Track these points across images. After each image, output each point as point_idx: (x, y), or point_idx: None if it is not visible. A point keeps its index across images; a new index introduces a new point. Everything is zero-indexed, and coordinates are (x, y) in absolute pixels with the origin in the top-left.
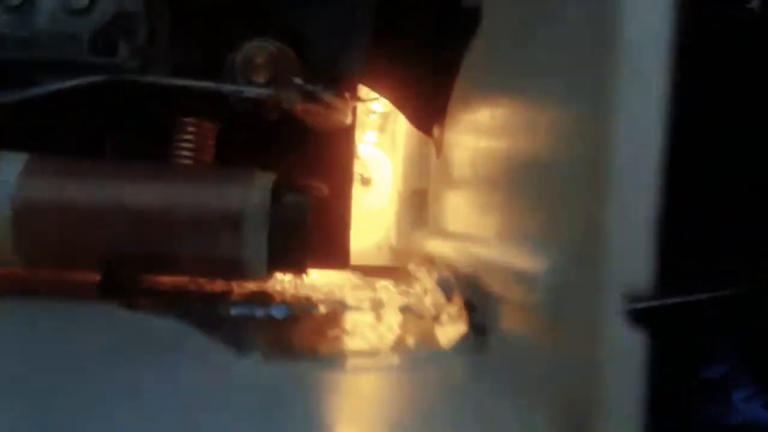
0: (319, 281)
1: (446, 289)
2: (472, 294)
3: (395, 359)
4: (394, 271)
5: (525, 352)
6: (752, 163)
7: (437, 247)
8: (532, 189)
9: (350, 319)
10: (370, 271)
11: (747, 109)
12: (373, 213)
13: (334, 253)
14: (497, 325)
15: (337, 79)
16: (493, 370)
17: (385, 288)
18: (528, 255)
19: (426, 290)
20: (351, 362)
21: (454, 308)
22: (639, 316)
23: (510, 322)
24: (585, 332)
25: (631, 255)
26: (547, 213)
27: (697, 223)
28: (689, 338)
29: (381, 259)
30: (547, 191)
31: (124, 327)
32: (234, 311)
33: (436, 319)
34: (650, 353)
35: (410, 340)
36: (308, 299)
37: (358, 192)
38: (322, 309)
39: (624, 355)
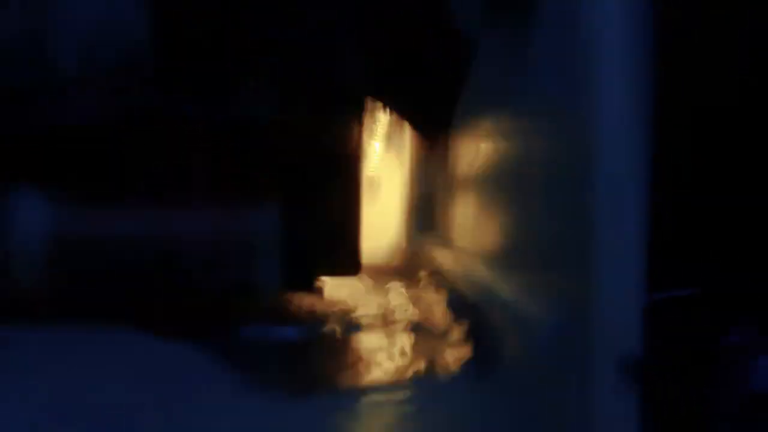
0: (332, 288)
1: (455, 309)
2: (477, 321)
3: (408, 392)
4: (405, 271)
5: (526, 390)
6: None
7: (445, 259)
8: (531, 210)
9: (364, 343)
10: (381, 272)
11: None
12: (385, 214)
13: (345, 262)
14: (501, 357)
15: (342, 96)
16: (497, 403)
17: (397, 292)
18: (529, 299)
19: (438, 301)
20: (366, 398)
21: (461, 330)
22: (630, 378)
23: (512, 357)
24: (579, 389)
25: (622, 314)
26: (544, 243)
27: (685, 279)
28: (682, 402)
29: (393, 259)
30: (545, 209)
31: (137, 356)
32: (249, 333)
33: (445, 335)
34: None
35: (421, 366)
36: (323, 316)
37: (370, 194)
38: (336, 328)
39: (616, 416)
